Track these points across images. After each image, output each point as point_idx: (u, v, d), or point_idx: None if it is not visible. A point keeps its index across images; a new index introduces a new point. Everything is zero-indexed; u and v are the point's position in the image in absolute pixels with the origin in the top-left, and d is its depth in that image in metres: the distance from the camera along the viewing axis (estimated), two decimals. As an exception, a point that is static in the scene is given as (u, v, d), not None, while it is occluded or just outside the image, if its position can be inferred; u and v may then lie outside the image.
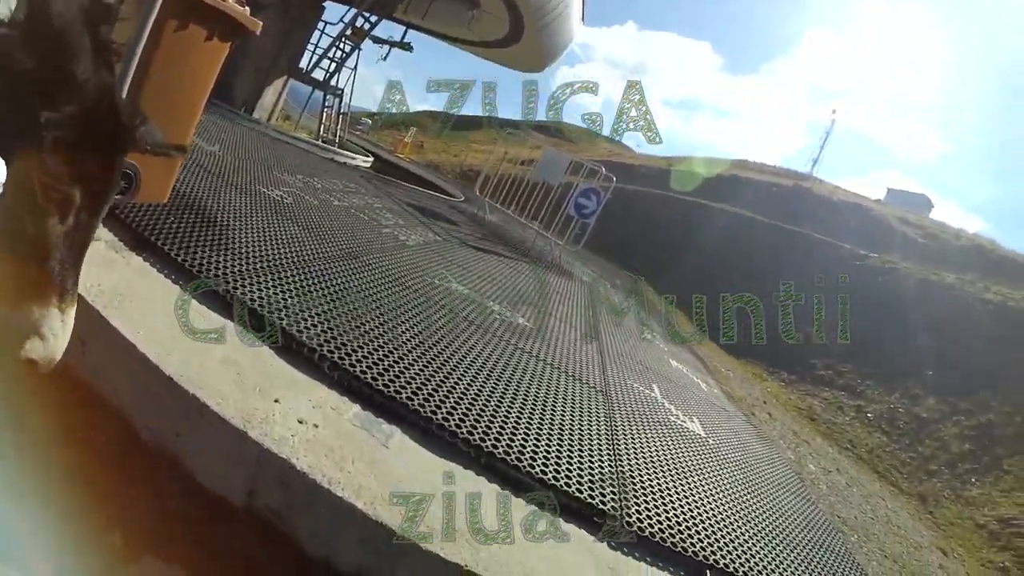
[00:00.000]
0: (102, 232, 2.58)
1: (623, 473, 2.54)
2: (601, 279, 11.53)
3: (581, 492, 2.19)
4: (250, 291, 2.49)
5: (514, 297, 5.17)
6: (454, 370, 2.69)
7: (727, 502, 2.92)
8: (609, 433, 2.94)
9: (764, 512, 3.11)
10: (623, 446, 2.85)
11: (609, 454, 2.67)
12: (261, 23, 3.25)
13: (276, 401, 1.85)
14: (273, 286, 2.67)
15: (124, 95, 2.46)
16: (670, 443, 3.31)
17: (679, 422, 3.90)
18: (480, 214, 11.13)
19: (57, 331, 1.03)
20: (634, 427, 3.24)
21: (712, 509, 2.72)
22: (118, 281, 2.16)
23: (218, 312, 2.27)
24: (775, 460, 4.57)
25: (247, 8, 3.12)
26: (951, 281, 20.12)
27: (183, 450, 1.73)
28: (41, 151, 0.97)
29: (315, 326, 2.44)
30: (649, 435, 3.25)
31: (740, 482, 3.38)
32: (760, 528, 2.85)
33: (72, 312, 1.07)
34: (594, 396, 3.43)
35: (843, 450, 12.07)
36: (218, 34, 3.00)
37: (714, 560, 2.28)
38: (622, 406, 3.52)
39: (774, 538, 2.84)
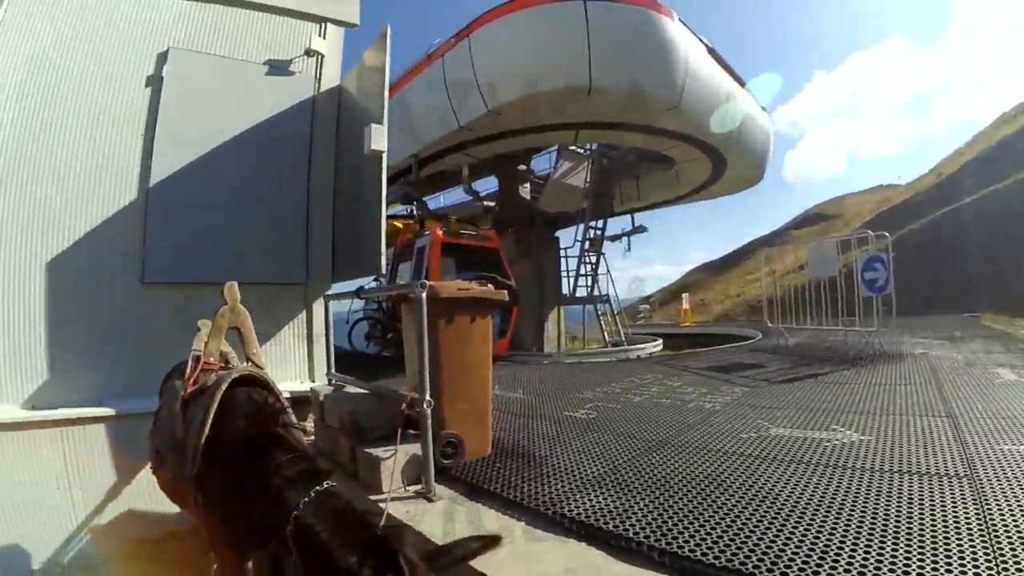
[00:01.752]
0: (443, 491, 3.17)
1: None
2: (934, 341, 9.85)
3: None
4: (575, 506, 2.76)
5: (841, 414, 4.70)
6: (786, 522, 2.53)
7: None
8: (981, 520, 2.39)
9: None
10: (1001, 528, 2.30)
11: (983, 547, 2.17)
12: (507, 292, 3.96)
13: (616, 596, 1.98)
14: (593, 496, 2.91)
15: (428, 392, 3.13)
16: None
17: None
18: (781, 343, 10.53)
19: None
20: (1013, 504, 2.57)
21: None
22: (462, 528, 2.62)
23: (549, 530, 2.54)
24: None
25: (489, 284, 3.86)
26: None
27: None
28: None
29: (639, 521, 2.57)
30: None
31: None
32: None
33: None
34: (956, 487, 2.82)
35: None
36: (478, 312, 3.71)
37: None
38: (993, 483, 2.83)
39: None
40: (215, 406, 2.11)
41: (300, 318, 5.29)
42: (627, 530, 2.47)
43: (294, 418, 2.35)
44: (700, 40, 12.87)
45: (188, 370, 2.68)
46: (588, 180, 17.31)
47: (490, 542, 1.68)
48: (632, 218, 20.20)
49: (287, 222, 5.24)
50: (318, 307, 5.32)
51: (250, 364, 2.91)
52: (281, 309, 5.19)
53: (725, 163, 15.95)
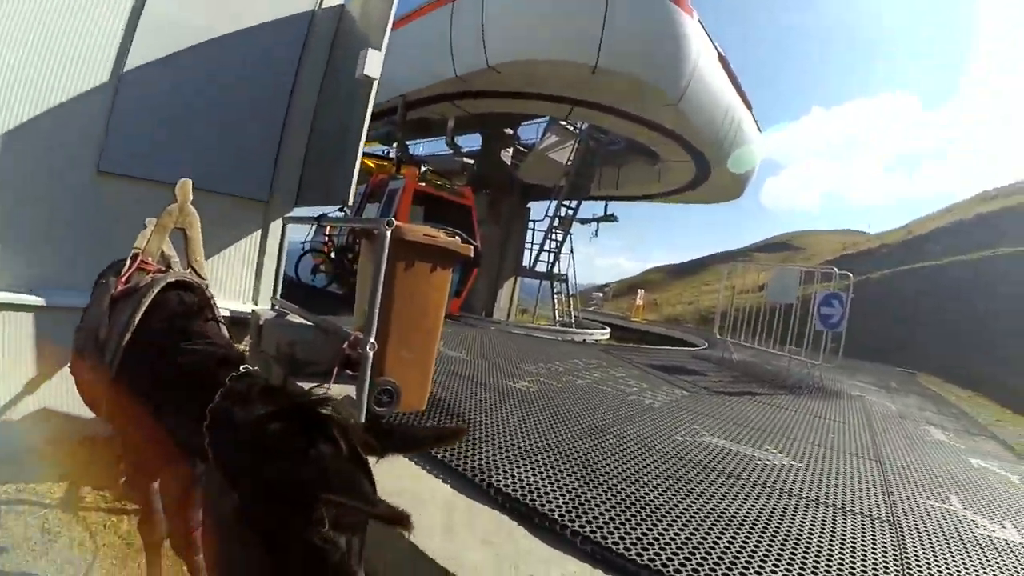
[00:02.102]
0: (371, 440, 3.05)
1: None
2: (872, 387, 10.17)
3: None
4: (503, 477, 2.69)
5: (774, 436, 4.78)
6: (711, 531, 2.53)
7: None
8: (899, 565, 2.46)
9: None
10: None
11: None
12: (473, 246, 3.81)
13: (532, 577, 1.93)
14: (524, 470, 2.84)
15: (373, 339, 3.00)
16: (975, 561, 2.66)
17: (986, 533, 3.13)
18: (726, 356, 10.72)
19: None
20: (927, 550, 2.67)
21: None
22: (382, 479, 2.51)
23: (475, 498, 2.47)
24: None
25: (457, 237, 3.71)
26: None
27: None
28: None
29: (566, 503, 2.52)
30: (948, 556, 2.65)
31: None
32: None
33: None
34: (875, 527, 2.92)
35: None
36: (440, 263, 3.57)
37: None
38: (913, 532, 2.93)
39: None
40: (143, 308, 1.95)
41: (254, 236, 5.05)
42: (552, 511, 2.41)
43: (218, 312, 2.21)
44: (714, 45, 12.77)
45: (124, 267, 2.49)
46: (571, 158, 17.19)
47: (454, 433, 1.52)
48: (605, 205, 20.24)
49: (260, 136, 4.96)
50: (275, 228, 5.09)
51: (190, 272, 2.73)
52: (236, 223, 4.93)
53: (709, 173, 16.03)
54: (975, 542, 2.99)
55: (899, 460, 4.68)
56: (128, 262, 2.53)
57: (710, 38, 12.50)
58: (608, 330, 17.60)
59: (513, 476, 2.74)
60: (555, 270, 17.27)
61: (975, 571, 2.59)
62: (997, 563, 2.75)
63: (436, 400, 3.87)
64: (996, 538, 3.11)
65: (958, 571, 2.56)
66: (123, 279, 2.35)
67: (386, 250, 3.04)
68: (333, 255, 12.06)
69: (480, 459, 2.92)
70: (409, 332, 3.48)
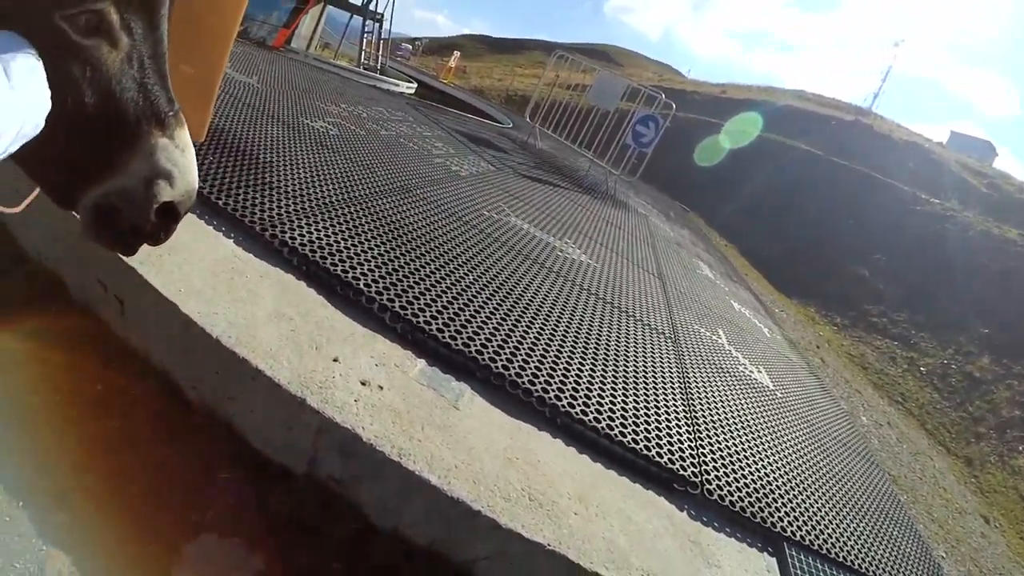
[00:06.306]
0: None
1: (699, 433, 2.34)
2: (655, 211, 11.08)
3: (661, 456, 2.01)
4: (299, 235, 2.30)
5: (574, 231, 4.89)
6: (522, 317, 2.49)
7: (799, 464, 2.70)
8: (683, 387, 2.71)
9: (833, 475, 2.86)
10: (697, 402, 2.63)
11: (685, 411, 2.46)
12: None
13: (335, 360, 1.68)
14: (323, 227, 2.46)
15: None
16: (741, 398, 3.07)
17: (747, 372, 3.63)
18: (531, 141, 10.67)
19: (176, 159, 0.90)
20: (705, 379, 3.00)
21: (785, 472, 2.51)
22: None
23: (264, 259, 2.09)
24: (837, 415, 4.25)
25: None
26: (1013, 236, 18.58)
27: (236, 415, 1.58)
28: None
29: (372, 271, 2.24)
30: (720, 388, 3.01)
31: (808, 441, 3.12)
32: (830, 494, 2.62)
33: (184, 132, 0.93)
34: (663, 343, 3.18)
35: (894, 403, 11.59)
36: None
37: (791, 532, 2.08)
38: (691, 355, 3.26)
39: (842, 505, 2.60)
40: None
41: None
42: (358, 279, 2.14)
43: None
44: None
45: None
46: None
47: None
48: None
49: None
50: None
51: None
52: None
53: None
54: (738, 377, 3.42)
55: (678, 284, 5.13)
56: None
57: None
58: (415, 85, 16.54)
59: (311, 233, 2.36)
60: (372, 7, 15.33)
61: (738, 402, 2.98)
62: (755, 400, 3.19)
63: (219, 131, 3.16)
64: (755, 379, 3.59)
65: (725, 398, 2.92)
66: None
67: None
68: None
69: (271, 210, 2.43)
70: (194, 40, 2.66)
